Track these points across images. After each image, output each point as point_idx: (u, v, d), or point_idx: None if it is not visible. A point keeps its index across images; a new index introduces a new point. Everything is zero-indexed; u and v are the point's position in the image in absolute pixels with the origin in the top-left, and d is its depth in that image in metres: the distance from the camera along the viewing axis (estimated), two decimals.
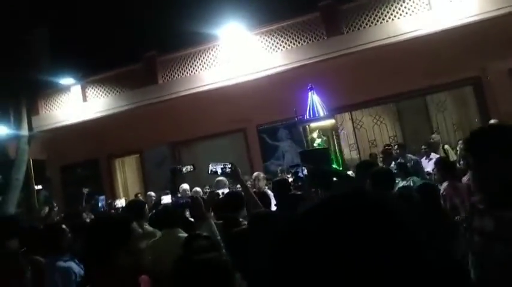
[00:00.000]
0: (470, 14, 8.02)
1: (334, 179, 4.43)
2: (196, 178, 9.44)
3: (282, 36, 9.22)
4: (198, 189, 6.98)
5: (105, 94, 10.37)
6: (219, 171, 3.65)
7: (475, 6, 8.02)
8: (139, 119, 10.15)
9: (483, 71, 8.38)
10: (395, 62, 8.47)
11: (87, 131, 10.23)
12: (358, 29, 8.76)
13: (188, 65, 9.85)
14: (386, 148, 7.34)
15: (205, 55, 9.75)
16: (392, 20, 8.57)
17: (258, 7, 9.22)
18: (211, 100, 9.58)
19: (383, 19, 8.62)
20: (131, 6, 9.59)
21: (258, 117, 9.80)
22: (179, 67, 9.88)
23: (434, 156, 6.70)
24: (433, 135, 8.25)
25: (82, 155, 10.59)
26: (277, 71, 9.15)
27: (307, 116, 5.30)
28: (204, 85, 9.71)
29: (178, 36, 9.40)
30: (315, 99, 5.18)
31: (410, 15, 8.47)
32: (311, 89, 5.35)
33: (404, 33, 8.42)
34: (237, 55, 9.47)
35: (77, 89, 10.33)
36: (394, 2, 8.53)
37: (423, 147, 7.57)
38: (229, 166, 3.57)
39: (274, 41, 9.29)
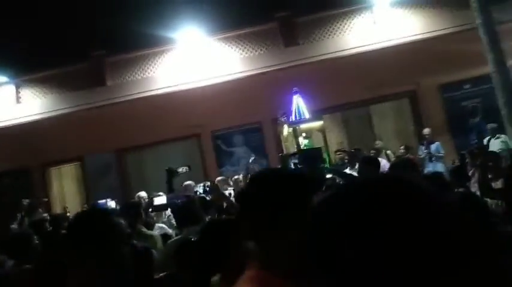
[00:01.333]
0: (408, 34, 9.09)
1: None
2: (144, 185, 9.07)
3: (239, 43, 9.38)
4: (143, 194, 6.70)
5: (43, 95, 9.37)
6: (201, 190, 4.18)
7: (412, 28, 9.12)
8: (81, 124, 9.37)
9: (418, 85, 9.54)
10: (344, 74, 9.19)
11: (18, 136, 9.12)
12: (312, 41, 9.32)
13: (141, 67, 9.43)
14: (339, 153, 7.96)
15: (160, 58, 9.45)
16: (343, 35, 9.30)
17: (216, 14, 9.28)
18: (164, 105, 9.28)
19: (334, 33, 9.31)
20: (82, 3, 8.91)
21: (213, 123, 9.75)
22: (131, 69, 9.41)
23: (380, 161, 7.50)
24: (377, 142, 9.10)
25: (11, 163, 9.38)
26: (234, 78, 9.27)
27: (292, 118, 5.50)
28: (157, 89, 9.37)
29: (131, 37, 8.99)
30: (299, 102, 5.41)
31: (356, 31, 9.29)
32: (296, 92, 5.58)
33: (352, 48, 9.21)
34: (193, 60, 9.36)
35: (9, 88, 9.17)
36: (345, 17, 9.29)
37: (372, 152, 8.35)
38: (208, 184, 4.11)
39: (232, 47, 9.40)
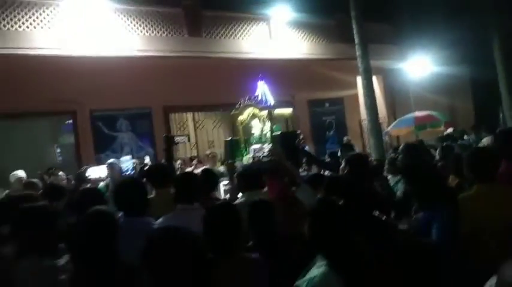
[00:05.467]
0: (297, 52, 10.37)
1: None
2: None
3: (141, 20, 8.61)
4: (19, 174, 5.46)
5: None
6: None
7: (300, 48, 10.46)
8: None
9: (293, 97, 10.90)
10: (237, 75, 9.66)
11: None
12: (215, 37, 9.45)
13: (15, 18, 7.41)
14: None
15: (41, 11, 7.66)
16: (242, 38, 9.79)
17: None
18: (33, 70, 7.60)
19: (236, 35, 9.71)
20: None
21: (94, 101, 8.52)
22: (2, 18, 7.27)
23: None
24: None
25: None
26: (128, 55, 8.42)
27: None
28: (29, 48, 7.54)
29: None
30: (265, 89, 5.57)
31: (253, 39, 9.96)
32: (261, 78, 5.71)
33: (247, 53, 9.80)
34: (81, 23, 7.98)
35: None
36: (245, 23, 9.81)
37: None
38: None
39: (132, 22, 8.53)
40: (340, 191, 2.25)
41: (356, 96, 12.18)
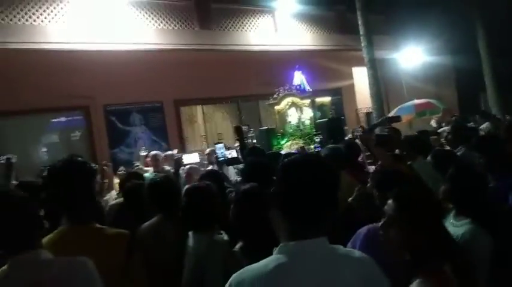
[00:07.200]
0: (301, 42, 10.60)
1: None
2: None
3: (153, 13, 8.56)
4: None
5: None
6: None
7: (304, 39, 10.70)
8: None
9: None
10: (246, 68, 9.82)
11: None
12: (224, 30, 9.53)
13: (29, 12, 7.19)
14: None
15: (54, 5, 7.47)
16: (249, 31, 9.92)
17: None
18: (46, 64, 7.44)
19: (243, 28, 9.83)
20: None
21: (107, 96, 8.43)
22: (13, 10, 7.04)
23: None
24: None
25: None
26: (141, 49, 8.37)
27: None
28: (42, 42, 7.35)
29: None
30: (302, 79, 5.77)
31: (259, 31, 10.10)
32: (298, 68, 5.90)
33: (254, 45, 9.94)
34: (95, 17, 7.86)
35: None
36: (252, 15, 9.94)
37: None
38: None
39: (145, 15, 8.47)
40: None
41: (352, 86, 12.64)
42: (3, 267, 1.46)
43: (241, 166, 3.86)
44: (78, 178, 1.80)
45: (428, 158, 3.37)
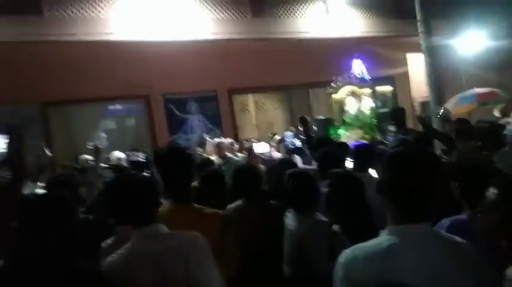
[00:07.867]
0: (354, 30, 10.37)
1: None
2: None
3: (210, 3, 8.72)
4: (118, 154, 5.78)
5: None
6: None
7: (357, 26, 10.45)
8: None
9: None
10: (296, 56, 9.75)
11: None
12: (276, 17, 9.51)
13: (92, 2, 7.60)
14: None
15: None
16: (297, 17, 9.80)
17: None
18: (107, 54, 7.83)
19: (294, 14, 9.74)
20: None
21: (165, 85, 8.77)
22: (80, 2, 7.47)
23: None
24: None
25: None
26: (196, 39, 8.57)
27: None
28: (104, 33, 7.74)
29: None
30: (362, 67, 5.71)
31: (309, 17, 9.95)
32: (358, 57, 5.85)
33: (305, 32, 9.83)
34: (152, 8, 8.12)
35: None
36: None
37: None
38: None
39: (200, 5, 8.65)
40: None
41: (406, 74, 12.20)
42: (128, 243, 1.64)
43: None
44: (180, 163, 1.98)
45: (506, 148, 3.27)
